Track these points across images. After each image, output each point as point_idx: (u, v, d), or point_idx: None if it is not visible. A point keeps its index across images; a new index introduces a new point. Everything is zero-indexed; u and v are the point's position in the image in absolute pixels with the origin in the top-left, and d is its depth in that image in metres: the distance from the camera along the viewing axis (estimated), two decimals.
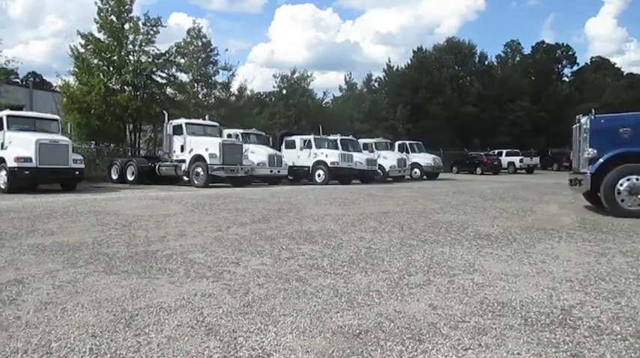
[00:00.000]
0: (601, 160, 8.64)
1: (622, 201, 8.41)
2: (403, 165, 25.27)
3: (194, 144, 18.84)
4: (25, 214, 9.03)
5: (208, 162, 17.93)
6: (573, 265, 4.80)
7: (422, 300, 3.68)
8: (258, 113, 39.70)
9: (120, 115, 25.54)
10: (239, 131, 22.82)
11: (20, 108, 18.91)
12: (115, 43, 25.48)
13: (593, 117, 9.06)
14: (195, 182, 18.19)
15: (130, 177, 20.27)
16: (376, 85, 51.95)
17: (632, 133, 8.55)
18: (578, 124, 9.54)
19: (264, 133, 24.26)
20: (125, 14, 25.95)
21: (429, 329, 3.07)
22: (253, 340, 2.93)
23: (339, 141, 23.13)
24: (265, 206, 10.01)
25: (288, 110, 44.70)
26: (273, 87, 49.16)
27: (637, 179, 8.34)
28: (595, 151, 8.80)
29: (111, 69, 26.05)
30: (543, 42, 61.69)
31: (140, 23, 26.32)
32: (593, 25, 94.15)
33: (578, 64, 62.40)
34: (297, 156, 23.23)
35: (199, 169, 18.20)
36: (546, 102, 51.68)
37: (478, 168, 31.64)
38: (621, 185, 8.38)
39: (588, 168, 8.79)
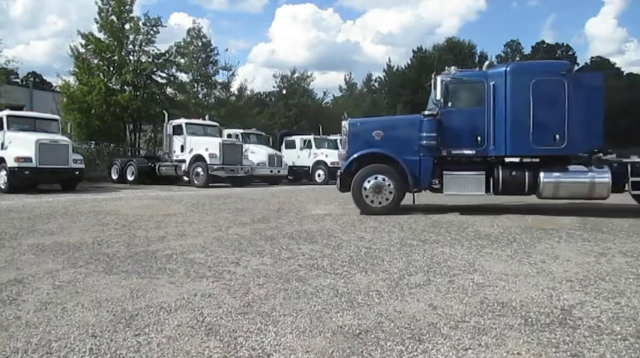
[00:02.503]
0: (348, 161, 9.13)
1: (367, 198, 8.83)
2: None
3: (194, 144, 18.84)
4: (25, 214, 9.03)
5: (208, 162, 17.94)
6: (573, 265, 4.80)
7: (422, 300, 3.68)
8: (258, 113, 39.69)
9: (120, 115, 25.55)
10: (239, 131, 22.83)
11: (20, 108, 18.87)
12: (116, 43, 25.49)
13: (350, 120, 9.63)
14: (195, 182, 18.19)
15: (130, 177, 20.29)
16: (376, 85, 51.93)
17: (383, 136, 9.11)
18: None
19: (264, 133, 24.27)
20: (125, 14, 25.96)
21: (429, 329, 3.07)
22: (253, 340, 2.93)
23: (339, 141, 23.12)
24: (265, 206, 10.02)
25: (288, 110, 44.66)
26: (273, 87, 49.16)
27: (383, 179, 8.79)
28: (345, 152, 9.37)
29: (111, 69, 26.07)
30: (543, 42, 61.65)
31: (140, 23, 26.36)
32: (593, 25, 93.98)
33: (578, 64, 62.46)
34: (297, 156, 23.24)
35: (199, 169, 18.20)
36: None
37: None
38: (367, 184, 8.78)
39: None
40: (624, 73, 60.64)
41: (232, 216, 8.69)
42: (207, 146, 18.44)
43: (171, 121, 19.96)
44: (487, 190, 8.79)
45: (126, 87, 26.05)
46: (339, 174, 9.29)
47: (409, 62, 51.20)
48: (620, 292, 3.87)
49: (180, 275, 4.49)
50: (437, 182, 8.88)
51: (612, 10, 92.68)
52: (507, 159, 9.00)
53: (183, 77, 31.19)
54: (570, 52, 62.43)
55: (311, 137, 23.31)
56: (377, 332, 3.03)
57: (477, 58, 54.44)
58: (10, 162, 14.22)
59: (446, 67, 9.32)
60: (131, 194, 14.42)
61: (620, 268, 4.67)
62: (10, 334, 3.03)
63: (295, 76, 47.42)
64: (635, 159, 8.93)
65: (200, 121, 20.84)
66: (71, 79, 25.72)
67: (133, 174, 20.31)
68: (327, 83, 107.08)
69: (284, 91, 47.49)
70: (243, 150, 19.87)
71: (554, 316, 3.30)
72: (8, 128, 15.08)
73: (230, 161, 18.33)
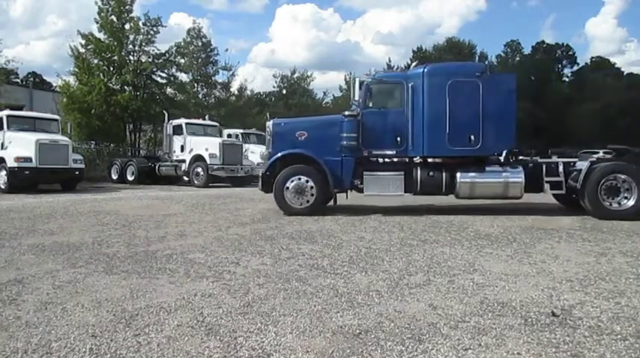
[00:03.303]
0: (270, 161, 9.09)
1: (289, 199, 8.73)
2: None
3: (194, 144, 18.84)
4: (25, 214, 9.03)
5: (208, 162, 17.94)
6: (573, 265, 4.80)
7: (422, 300, 3.68)
8: (258, 113, 39.69)
9: (120, 115, 25.54)
10: (239, 131, 22.81)
11: (20, 108, 18.89)
12: (116, 43, 25.47)
13: (274, 121, 9.61)
14: (195, 182, 18.18)
15: (130, 177, 20.27)
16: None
17: (307, 136, 9.08)
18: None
19: (264, 133, 24.22)
20: (125, 14, 25.94)
21: (429, 329, 3.07)
22: (253, 340, 2.93)
23: None
24: (265, 206, 10.01)
25: (288, 110, 44.66)
26: (273, 87, 49.21)
27: (305, 180, 8.71)
28: (267, 152, 9.35)
29: (111, 69, 26.05)
30: (543, 42, 61.58)
31: (140, 23, 26.33)
32: (593, 25, 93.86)
33: (578, 64, 62.38)
34: None
35: (199, 169, 18.20)
36: (546, 102, 51.61)
37: None
38: (289, 185, 8.71)
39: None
40: (624, 73, 60.67)
41: (232, 216, 8.69)
42: (207, 146, 18.44)
43: (171, 121, 19.95)
44: (407, 190, 8.83)
45: (126, 87, 26.03)
46: (261, 174, 9.22)
47: (409, 62, 51.20)
48: (620, 292, 3.87)
49: (180, 275, 4.49)
50: (359, 182, 8.85)
51: (612, 10, 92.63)
52: (428, 160, 9.06)
53: (183, 77, 31.22)
54: (570, 52, 62.45)
55: None
56: (377, 332, 3.03)
57: (477, 58, 54.47)
58: (10, 162, 14.22)
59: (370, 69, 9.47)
60: (131, 194, 14.42)
61: (620, 268, 4.67)
62: (10, 334, 3.03)
63: (295, 76, 47.47)
64: (555, 158, 9.03)
65: (200, 121, 20.83)
66: (71, 79, 25.73)
67: (133, 174, 20.29)
68: (327, 83, 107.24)
69: (284, 91, 47.52)
70: (243, 150, 19.88)
71: (554, 316, 3.30)
72: (8, 128, 15.07)
73: (230, 161, 18.33)
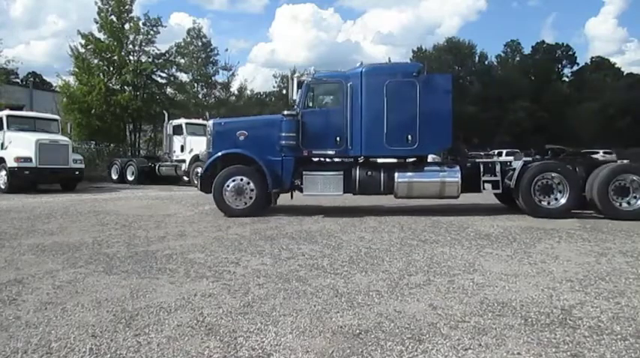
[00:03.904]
0: (209, 161, 8.96)
1: (228, 199, 8.61)
2: None
3: (194, 144, 18.81)
4: (25, 214, 9.04)
5: None
6: (573, 265, 4.80)
7: (422, 300, 3.68)
8: (258, 113, 39.69)
9: (120, 115, 25.55)
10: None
11: (20, 108, 18.82)
12: (115, 43, 25.49)
13: (214, 120, 9.52)
14: (195, 182, 18.15)
15: (130, 177, 20.26)
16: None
17: (247, 136, 8.95)
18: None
19: None
20: (125, 14, 25.96)
21: (429, 329, 3.07)
22: (253, 340, 2.93)
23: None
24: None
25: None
26: (273, 87, 49.22)
27: (246, 181, 8.60)
28: (207, 152, 9.25)
29: (111, 69, 26.06)
30: (543, 42, 61.60)
31: (140, 23, 26.37)
32: (593, 25, 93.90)
33: (578, 64, 62.41)
34: None
35: (199, 169, 18.16)
36: (546, 102, 51.59)
37: None
38: (228, 186, 8.60)
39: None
40: (624, 73, 60.68)
41: (232, 216, 8.68)
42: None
43: (171, 121, 19.93)
44: (347, 190, 8.78)
45: (126, 87, 26.04)
46: (200, 174, 9.15)
47: (409, 62, 51.18)
48: (620, 292, 3.87)
49: (180, 275, 4.49)
50: (299, 182, 8.80)
51: (612, 10, 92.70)
52: (367, 159, 9.05)
53: (183, 77, 31.24)
54: (570, 52, 62.47)
55: None
56: (377, 332, 3.03)
57: (477, 58, 54.53)
58: (10, 162, 14.22)
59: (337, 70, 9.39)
60: (131, 194, 14.42)
61: (620, 268, 4.67)
62: (10, 334, 3.03)
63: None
64: (495, 158, 9.05)
65: (200, 121, 20.82)
66: (71, 79, 25.76)
67: (133, 174, 20.28)
68: None
69: (284, 91, 47.49)
70: None
71: (554, 316, 3.30)
72: (8, 128, 15.07)
73: None
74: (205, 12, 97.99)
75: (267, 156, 8.71)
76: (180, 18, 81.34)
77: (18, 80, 37.65)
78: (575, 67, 62.61)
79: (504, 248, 5.68)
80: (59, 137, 15.86)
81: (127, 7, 25.94)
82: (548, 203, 8.38)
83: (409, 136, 8.64)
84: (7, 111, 15.90)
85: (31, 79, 47.28)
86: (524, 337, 2.94)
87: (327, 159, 9.26)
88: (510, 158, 10.01)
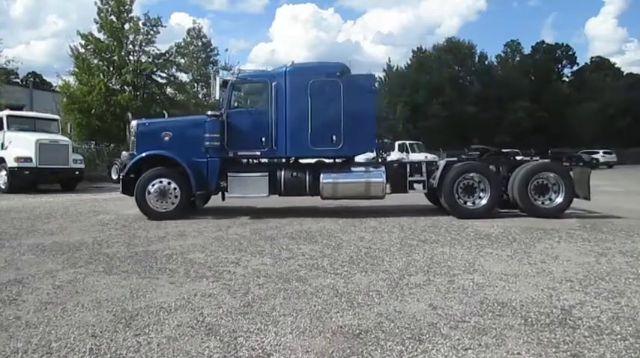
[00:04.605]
0: (132, 163, 8.70)
1: (151, 202, 8.31)
2: None
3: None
4: (25, 214, 9.04)
5: None
6: (573, 265, 4.79)
7: (422, 300, 3.68)
8: None
9: (120, 115, 25.50)
10: None
11: (20, 108, 18.82)
12: (115, 43, 25.48)
13: (138, 121, 9.25)
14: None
15: None
16: (376, 84, 51.93)
17: (171, 137, 8.73)
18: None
19: None
20: (125, 14, 25.95)
21: (429, 329, 3.07)
22: (253, 340, 2.93)
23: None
24: (265, 205, 10.00)
25: None
26: None
27: (168, 183, 8.35)
28: (129, 154, 8.99)
29: (111, 69, 26.06)
30: (543, 42, 61.57)
31: (140, 23, 26.36)
32: (593, 25, 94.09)
33: (578, 64, 62.40)
34: None
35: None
36: (546, 102, 51.60)
37: None
38: (151, 188, 8.33)
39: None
40: (624, 73, 60.68)
41: (232, 216, 8.68)
42: None
43: None
44: (272, 192, 8.62)
45: (126, 87, 26.04)
46: (121, 176, 8.87)
47: (409, 62, 51.24)
48: (620, 292, 3.87)
49: (180, 275, 4.49)
50: (226, 184, 8.64)
51: (612, 10, 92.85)
52: (291, 160, 8.95)
53: (183, 77, 31.23)
54: (570, 52, 62.47)
55: None
56: (377, 332, 3.03)
57: (477, 58, 54.53)
58: (10, 162, 14.23)
59: (237, 68, 9.20)
60: None
61: (620, 268, 4.67)
62: (10, 334, 3.03)
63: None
64: (421, 157, 9.01)
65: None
66: (71, 79, 25.75)
67: None
68: None
69: None
70: None
71: (554, 316, 3.30)
72: (8, 128, 15.08)
73: None
74: (205, 12, 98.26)
75: (192, 158, 8.50)
76: (181, 18, 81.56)
77: (18, 80, 37.66)
78: (575, 67, 62.65)
79: (504, 248, 5.68)
80: (59, 137, 15.86)
81: (126, 7, 25.93)
82: (473, 203, 8.38)
83: (334, 137, 8.55)
84: (7, 111, 15.90)
85: (31, 79, 47.28)
86: (524, 337, 2.94)
87: (253, 161, 9.09)
88: (434, 157, 9.87)
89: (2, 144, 14.93)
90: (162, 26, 27.21)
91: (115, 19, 25.73)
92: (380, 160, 9.20)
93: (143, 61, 26.68)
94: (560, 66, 62.40)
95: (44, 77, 50.61)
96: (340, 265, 4.84)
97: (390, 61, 51.66)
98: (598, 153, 39.21)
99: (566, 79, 61.35)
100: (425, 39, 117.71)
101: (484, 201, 8.34)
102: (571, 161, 9.06)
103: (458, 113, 46.83)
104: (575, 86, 57.79)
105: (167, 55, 27.88)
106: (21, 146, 14.65)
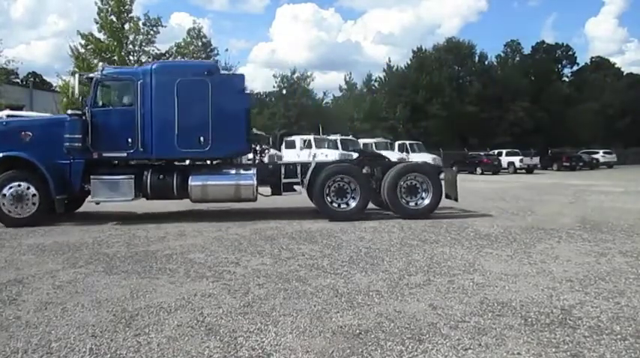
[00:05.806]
0: None
1: (5, 207, 7.72)
2: None
3: None
4: None
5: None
6: (573, 265, 4.80)
7: (422, 300, 3.68)
8: (258, 113, 39.72)
9: None
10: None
11: (20, 108, 18.86)
12: (115, 43, 25.50)
13: None
14: None
15: None
16: (376, 85, 51.89)
17: (32, 137, 8.16)
18: None
19: (264, 133, 24.23)
20: (125, 14, 25.98)
21: (429, 329, 3.07)
22: (253, 340, 2.93)
23: (339, 141, 23.12)
24: (265, 205, 9.99)
25: (288, 110, 44.73)
26: (273, 87, 49.19)
27: (26, 187, 7.80)
28: None
29: None
30: (543, 42, 61.50)
31: (140, 23, 26.40)
32: (593, 25, 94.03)
33: (578, 64, 62.34)
34: (297, 155, 23.19)
35: None
36: (546, 102, 51.56)
37: (478, 168, 31.54)
38: (5, 193, 7.72)
39: None
40: (624, 73, 60.68)
41: (232, 216, 8.68)
42: None
43: None
44: (139, 195, 8.23)
45: None
46: None
47: (409, 62, 51.21)
48: (620, 292, 3.87)
49: (180, 275, 4.49)
50: (89, 187, 8.10)
51: (612, 10, 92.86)
52: (159, 163, 8.55)
53: None
54: (570, 52, 62.45)
55: (311, 137, 23.29)
56: (377, 332, 3.03)
57: (477, 58, 54.50)
58: None
59: (101, 64, 8.76)
60: None
61: (620, 268, 4.67)
62: (10, 334, 3.04)
63: (295, 76, 47.46)
64: (422, 158, 8.88)
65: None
66: (71, 79, 25.73)
67: None
68: (327, 83, 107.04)
69: (284, 91, 47.53)
70: None
71: (554, 316, 3.30)
72: None
73: None
74: (206, 12, 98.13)
75: (53, 159, 7.95)
76: (181, 18, 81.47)
77: (18, 80, 37.64)
78: (575, 67, 62.61)
79: (504, 248, 5.68)
80: None
81: (126, 7, 25.96)
82: (345, 204, 8.28)
83: (201, 138, 8.15)
84: (7, 112, 15.87)
85: (31, 79, 47.22)
86: (524, 337, 2.94)
87: (119, 162, 8.55)
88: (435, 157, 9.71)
89: None
90: (162, 26, 27.31)
91: (115, 19, 25.76)
92: (256, 162, 8.99)
93: (143, 61, 26.66)
94: (560, 66, 62.37)
95: (44, 77, 50.60)
96: (340, 265, 4.84)
97: (390, 61, 51.57)
98: (598, 153, 39.20)
99: (566, 79, 61.30)
100: (425, 39, 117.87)
101: (354, 204, 8.24)
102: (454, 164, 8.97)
103: (458, 113, 46.80)
104: (575, 86, 57.76)
105: (167, 55, 27.91)
106: None
